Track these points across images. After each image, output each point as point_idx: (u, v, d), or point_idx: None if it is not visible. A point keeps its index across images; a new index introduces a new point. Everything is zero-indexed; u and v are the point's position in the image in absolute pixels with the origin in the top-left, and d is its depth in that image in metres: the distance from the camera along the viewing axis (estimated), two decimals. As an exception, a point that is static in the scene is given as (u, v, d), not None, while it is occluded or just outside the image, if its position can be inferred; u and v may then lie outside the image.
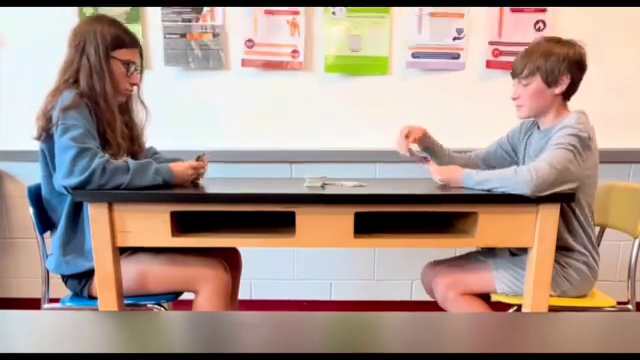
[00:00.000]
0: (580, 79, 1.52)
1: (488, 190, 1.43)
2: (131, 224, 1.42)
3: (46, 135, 1.44)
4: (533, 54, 1.50)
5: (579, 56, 1.49)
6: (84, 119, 1.40)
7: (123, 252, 1.52)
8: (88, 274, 1.50)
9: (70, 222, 1.50)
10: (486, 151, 1.80)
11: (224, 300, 1.54)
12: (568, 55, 1.47)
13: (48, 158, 1.48)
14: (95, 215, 1.40)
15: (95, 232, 1.41)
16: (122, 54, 1.51)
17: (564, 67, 1.47)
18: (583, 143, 1.43)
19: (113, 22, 1.52)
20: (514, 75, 1.55)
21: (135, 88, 1.59)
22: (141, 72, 1.59)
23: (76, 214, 1.49)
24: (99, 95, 1.47)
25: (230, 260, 1.71)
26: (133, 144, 1.60)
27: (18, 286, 2.47)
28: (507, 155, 1.75)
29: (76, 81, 1.48)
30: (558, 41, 1.51)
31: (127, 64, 1.52)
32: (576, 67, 1.49)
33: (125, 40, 1.51)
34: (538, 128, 1.63)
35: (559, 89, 1.50)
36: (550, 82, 1.49)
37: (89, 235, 1.43)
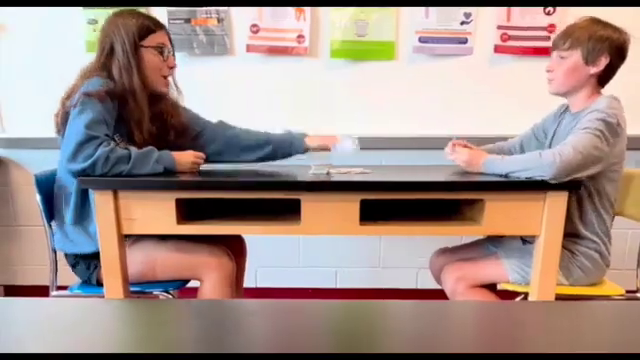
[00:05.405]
0: (618, 66, 1.48)
1: (506, 176, 1.41)
2: (136, 211, 1.42)
3: (66, 122, 1.43)
4: (577, 30, 1.47)
5: (622, 42, 1.46)
6: (103, 106, 1.40)
7: (127, 239, 1.51)
8: (96, 259, 1.49)
9: (79, 202, 1.50)
10: (520, 139, 1.76)
11: (229, 288, 1.54)
12: (612, 37, 1.45)
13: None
14: (100, 202, 1.40)
15: (100, 219, 1.41)
16: (152, 40, 1.50)
17: (605, 48, 1.44)
18: (611, 129, 1.39)
19: (134, 12, 1.52)
20: (554, 47, 1.52)
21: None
22: (173, 55, 1.59)
23: (85, 194, 1.49)
24: (127, 92, 1.48)
25: (235, 248, 1.72)
26: (161, 138, 1.58)
27: (24, 273, 2.49)
28: (540, 142, 1.70)
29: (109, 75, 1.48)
30: (605, 24, 1.48)
31: (160, 48, 1.52)
32: (617, 52, 1.45)
33: (150, 26, 1.51)
34: (570, 112, 1.58)
35: (595, 69, 1.46)
36: (589, 60, 1.46)
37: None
